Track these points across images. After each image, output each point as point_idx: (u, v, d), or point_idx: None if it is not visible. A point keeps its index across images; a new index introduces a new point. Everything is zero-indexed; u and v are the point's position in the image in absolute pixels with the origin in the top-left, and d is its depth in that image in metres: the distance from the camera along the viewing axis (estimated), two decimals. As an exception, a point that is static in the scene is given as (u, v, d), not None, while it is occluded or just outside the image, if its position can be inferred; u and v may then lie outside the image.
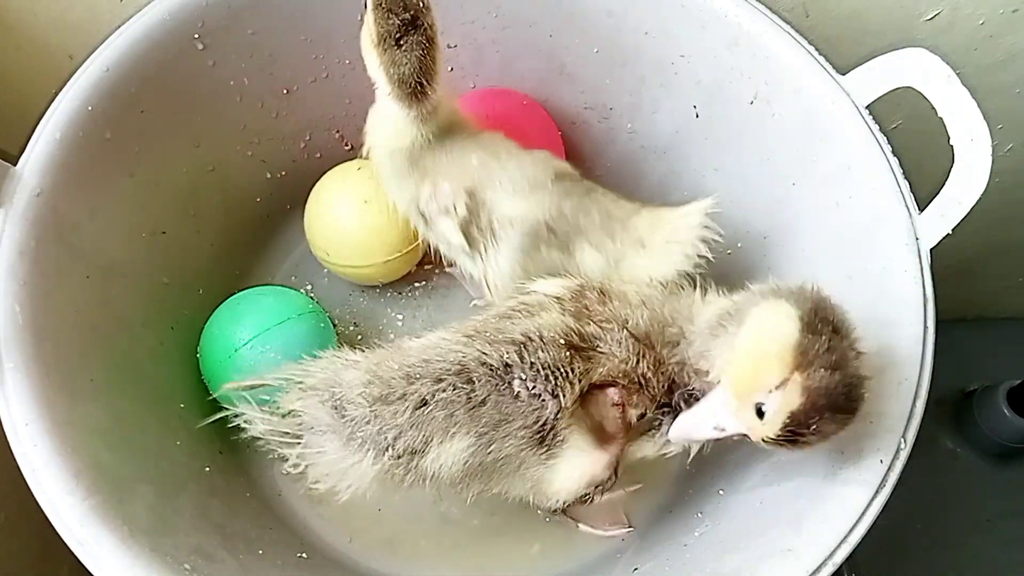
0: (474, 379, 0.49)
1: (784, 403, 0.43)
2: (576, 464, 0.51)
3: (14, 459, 0.48)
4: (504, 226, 0.60)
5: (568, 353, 0.50)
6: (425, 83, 0.54)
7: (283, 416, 0.52)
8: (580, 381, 0.50)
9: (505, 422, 0.49)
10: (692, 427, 0.50)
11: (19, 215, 0.52)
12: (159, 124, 0.63)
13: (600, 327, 0.52)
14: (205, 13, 0.62)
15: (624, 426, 0.52)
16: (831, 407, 0.43)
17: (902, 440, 0.50)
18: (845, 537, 0.48)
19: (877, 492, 0.49)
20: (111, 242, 0.61)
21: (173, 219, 0.68)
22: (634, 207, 0.62)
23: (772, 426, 0.44)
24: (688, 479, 0.70)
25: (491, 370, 0.50)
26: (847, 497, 0.49)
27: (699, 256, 0.58)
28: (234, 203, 0.75)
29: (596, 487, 0.53)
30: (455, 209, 0.60)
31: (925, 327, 0.53)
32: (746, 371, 0.46)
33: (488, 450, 0.50)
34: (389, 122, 0.59)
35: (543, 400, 0.49)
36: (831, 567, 0.47)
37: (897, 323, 0.54)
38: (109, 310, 0.60)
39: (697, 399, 0.51)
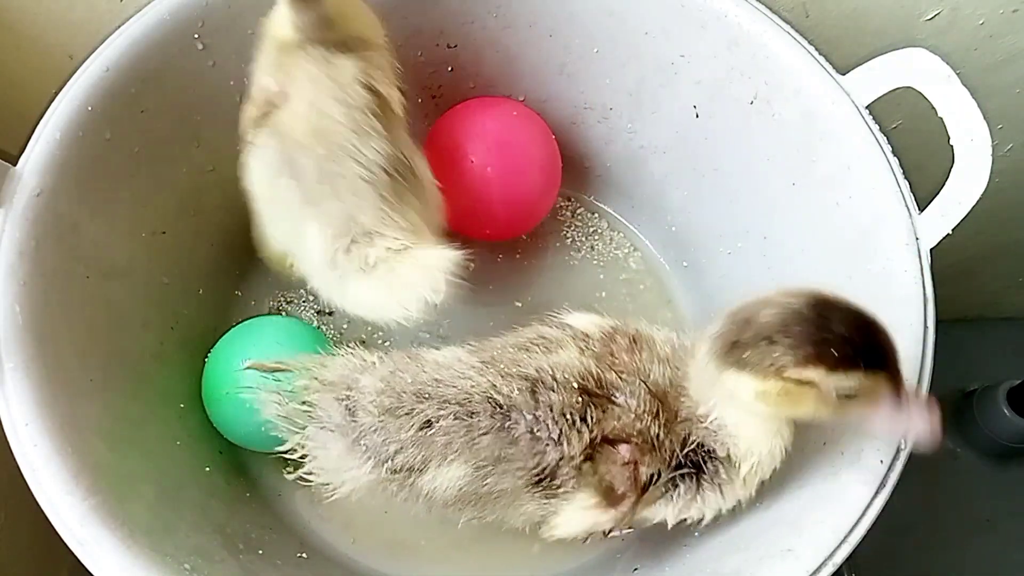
0: (478, 411, 0.48)
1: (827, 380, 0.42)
2: (579, 518, 0.50)
3: (14, 459, 0.48)
4: (275, 133, 0.57)
5: (581, 399, 0.48)
6: None
7: (297, 405, 0.52)
8: (591, 431, 0.48)
9: (504, 460, 0.48)
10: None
11: (19, 215, 0.52)
12: (159, 124, 0.63)
13: (620, 376, 0.50)
14: (205, 13, 0.62)
15: (635, 486, 0.49)
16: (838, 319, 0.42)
17: (902, 440, 0.50)
18: (845, 537, 0.48)
19: (877, 492, 0.49)
20: (111, 242, 0.60)
21: (173, 219, 0.68)
22: (419, 239, 0.58)
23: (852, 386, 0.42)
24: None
25: (497, 406, 0.48)
26: (847, 497, 0.49)
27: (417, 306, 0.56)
28: (234, 203, 0.74)
29: (593, 535, 0.52)
30: (253, 99, 0.58)
31: (925, 327, 0.53)
32: (807, 403, 0.44)
33: (484, 482, 0.49)
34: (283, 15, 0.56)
35: (545, 445, 0.48)
36: (831, 567, 0.47)
37: (897, 323, 0.53)
38: (109, 310, 0.60)
39: (714, 457, 0.49)
